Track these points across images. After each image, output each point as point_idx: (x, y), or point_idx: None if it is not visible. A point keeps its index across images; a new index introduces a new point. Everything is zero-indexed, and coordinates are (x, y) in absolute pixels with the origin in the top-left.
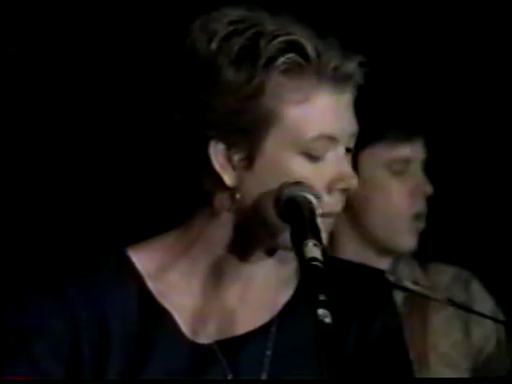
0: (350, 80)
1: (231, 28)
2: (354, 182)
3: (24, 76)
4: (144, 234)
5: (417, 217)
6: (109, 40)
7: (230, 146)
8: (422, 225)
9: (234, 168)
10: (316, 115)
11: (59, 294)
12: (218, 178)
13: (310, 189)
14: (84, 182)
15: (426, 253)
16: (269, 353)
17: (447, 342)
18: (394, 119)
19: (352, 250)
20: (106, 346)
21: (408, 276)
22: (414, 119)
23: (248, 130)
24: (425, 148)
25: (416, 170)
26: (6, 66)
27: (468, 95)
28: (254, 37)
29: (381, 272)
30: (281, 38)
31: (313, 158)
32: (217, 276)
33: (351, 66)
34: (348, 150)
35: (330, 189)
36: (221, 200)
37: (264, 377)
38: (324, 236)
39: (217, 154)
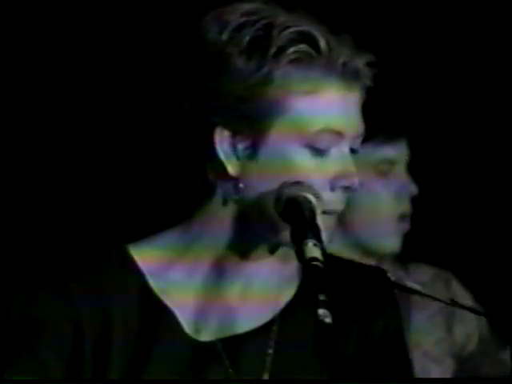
0: (359, 77)
1: (243, 19)
2: (356, 181)
3: (24, 76)
4: (146, 230)
5: (401, 218)
6: (111, 36)
7: (236, 134)
8: (406, 226)
9: (238, 157)
10: (322, 108)
11: (61, 291)
12: (221, 167)
13: (310, 188)
14: (86, 178)
15: (406, 253)
16: (270, 351)
17: (430, 340)
18: (378, 121)
19: (336, 251)
20: (107, 343)
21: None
22: (398, 120)
23: (254, 118)
24: (409, 149)
25: (401, 170)
26: (6, 66)
27: (452, 96)
28: (266, 27)
29: (382, 271)
30: (292, 29)
31: (317, 151)
32: (218, 273)
33: (360, 63)
34: (352, 150)
35: (332, 186)
36: (224, 190)
37: (266, 375)
38: (325, 235)
39: (222, 141)
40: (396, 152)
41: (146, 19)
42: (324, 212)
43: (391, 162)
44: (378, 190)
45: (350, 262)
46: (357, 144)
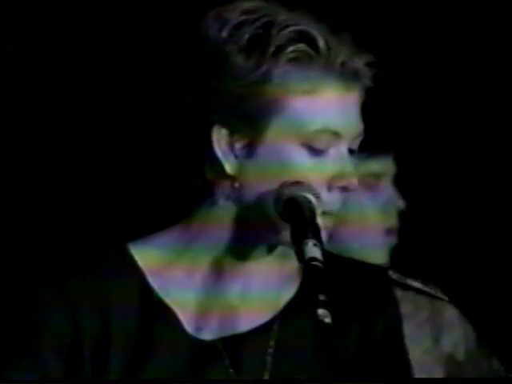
0: (358, 77)
1: (243, 17)
2: (354, 182)
3: (24, 76)
4: (145, 229)
5: (389, 232)
6: (111, 35)
7: (233, 132)
8: (394, 240)
9: (235, 156)
10: (321, 108)
11: (61, 289)
12: (219, 166)
13: (310, 188)
14: (86, 177)
15: (394, 267)
16: (271, 351)
17: (419, 349)
18: (364, 134)
19: None
20: (107, 342)
21: None
22: (384, 135)
23: (252, 117)
24: (395, 163)
25: (387, 185)
26: (6, 66)
27: (438, 110)
28: (266, 26)
29: (383, 269)
30: (292, 28)
31: (315, 151)
32: (218, 273)
33: (360, 63)
34: (351, 151)
35: (330, 186)
36: (222, 189)
37: (266, 375)
38: (324, 235)
39: (219, 139)
40: (382, 166)
41: (146, 17)
42: (323, 213)
43: (377, 176)
44: (365, 203)
45: (351, 261)
46: (356, 144)
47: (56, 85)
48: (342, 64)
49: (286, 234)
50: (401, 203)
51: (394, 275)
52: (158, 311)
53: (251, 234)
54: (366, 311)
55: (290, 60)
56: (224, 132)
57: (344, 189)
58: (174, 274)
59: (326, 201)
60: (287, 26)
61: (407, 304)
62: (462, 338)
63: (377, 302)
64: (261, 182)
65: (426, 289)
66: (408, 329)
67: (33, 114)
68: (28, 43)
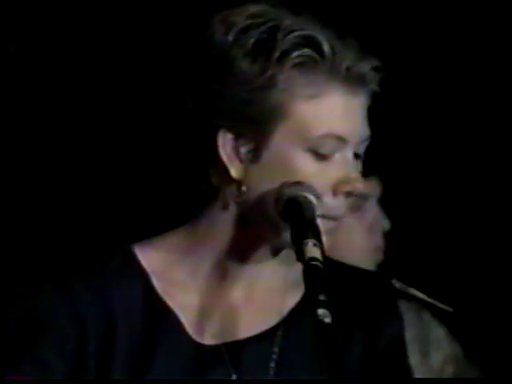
0: (363, 82)
1: (249, 21)
2: (359, 187)
3: (24, 76)
4: (150, 231)
5: (375, 251)
6: (114, 35)
7: (238, 137)
8: (380, 257)
9: (240, 160)
10: (326, 113)
11: (65, 290)
12: (224, 171)
13: (311, 189)
14: (92, 179)
15: None
16: (275, 357)
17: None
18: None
19: None
20: (111, 343)
21: None
22: (369, 156)
23: (257, 122)
24: (380, 184)
25: (372, 206)
26: (6, 67)
27: (421, 131)
28: (271, 30)
29: (386, 278)
30: (297, 33)
31: (320, 156)
32: (221, 275)
33: (365, 68)
34: (357, 155)
35: (335, 191)
36: (227, 193)
37: None
38: (325, 239)
39: (225, 144)
40: (367, 187)
41: (151, 20)
42: (325, 216)
43: (363, 197)
44: (352, 223)
45: (354, 268)
46: (361, 149)
47: (57, 86)
48: (348, 69)
49: (288, 236)
50: (386, 223)
51: (397, 284)
52: (161, 314)
53: (254, 237)
54: (370, 320)
55: (296, 65)
56: (229, 136)
57: (349, 194)
58: (177, 277)
59: (331, 205)
60: (293, 31)
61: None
62: (450, 354)
63: (380, 311)
64: (266, 186)
65: (430, 299)
66: None
67: (34, 115)
68: (28, 44)
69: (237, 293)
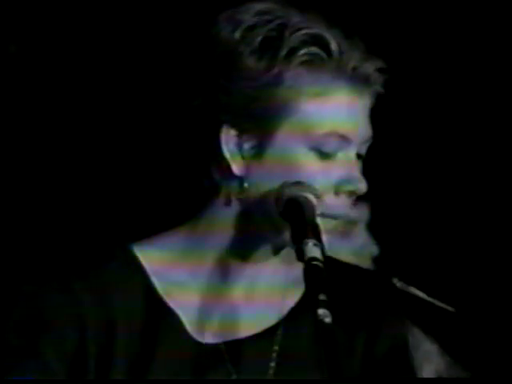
0: (369, 83)
1: (256, 19)
2: (361, 187)
3: (24, 76)
4: (151, 230)
5: None
6: (117, 34)
7: (242, 133)
8: None
9: (243, 157)
10: (330, 111)
11: (65, 290)
12: (226, 167)
13: (311, 189)
14: (91, 177)
15: None
16: (275, 356)
17: None
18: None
19: None
20: (111, 343)
21: None
22: (369, 156)
23: (261, 118)
24: (369, 210)
25: (361, 231)
26: (6, 67)
27: (421, 131)
28: (278, 28)
29: (387, 277)
30: (304, 31)
31: (323, 155)
32: (222, 274)
33: (370, 69)
34: (359, 156)
35: (337, 190)
36: (228, 190)
37: None
38: (325, 237)
39: (228, 139)
40: (356, 213)
41: (157, 17)
42: (325, 215)
43: (352, 223)
44: (339, 249)
45: (354, 267)
46: (364, 149)
47: (58, 85)
48: (354, 68)
49: (288, 235)
50: (374, 249)
51: (397, 283)
52: (161, 313)
53: (255, 235)
54: (372, 320)
55: (302, 63)
56: (233, 133)
57: (351, 193)
58: (177, 276)
59: (332, 205)
60: (300, 29)
61: None
62: (442, 366)
63: (382, 312)
64: (268, 182)
65: (430, 298)
66: None
67: (35, 115)
68: (28, 44)
69: (237, 292)
